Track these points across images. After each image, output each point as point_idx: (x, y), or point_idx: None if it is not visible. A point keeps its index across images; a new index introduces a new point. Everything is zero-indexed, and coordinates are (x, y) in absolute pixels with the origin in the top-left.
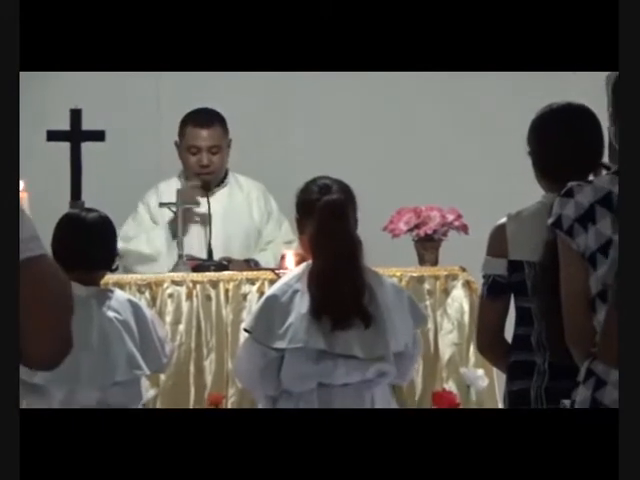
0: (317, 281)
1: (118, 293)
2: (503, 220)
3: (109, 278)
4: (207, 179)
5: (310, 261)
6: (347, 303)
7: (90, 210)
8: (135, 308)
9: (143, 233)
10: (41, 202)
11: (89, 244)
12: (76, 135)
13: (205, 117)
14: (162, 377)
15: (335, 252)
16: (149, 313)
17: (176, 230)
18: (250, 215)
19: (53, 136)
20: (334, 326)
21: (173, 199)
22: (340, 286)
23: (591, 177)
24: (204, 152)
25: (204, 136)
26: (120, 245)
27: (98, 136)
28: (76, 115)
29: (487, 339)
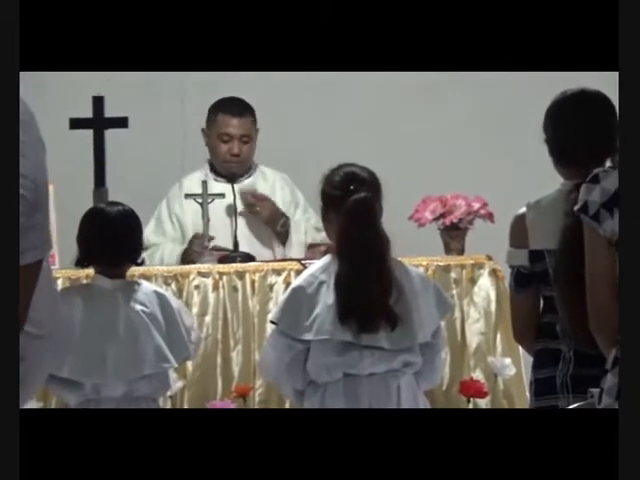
0: (344, 284)
1: (144, 285)
2: (522, 210)
3: (135, 270)
4: (235, 169)
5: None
6: (374, 307)
7: (115, 204)
8: (161, 299)
9: (168, 242)
10: (65, 190)
11: (114, 238)
12: (99, 122)
13: (237, 106)
14: (189, 368)
15: (363, 256)
16: (176, 303)
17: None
18: None
19: (76, 124)
20: (360, 329)
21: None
22: (367, 290)
23: (608, 162)
24: (236, 141)
25: (236, 124)
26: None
27: (121, 123)
28: (98, 102)
29: (520, 329)
